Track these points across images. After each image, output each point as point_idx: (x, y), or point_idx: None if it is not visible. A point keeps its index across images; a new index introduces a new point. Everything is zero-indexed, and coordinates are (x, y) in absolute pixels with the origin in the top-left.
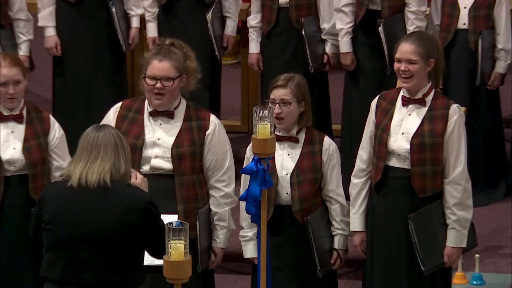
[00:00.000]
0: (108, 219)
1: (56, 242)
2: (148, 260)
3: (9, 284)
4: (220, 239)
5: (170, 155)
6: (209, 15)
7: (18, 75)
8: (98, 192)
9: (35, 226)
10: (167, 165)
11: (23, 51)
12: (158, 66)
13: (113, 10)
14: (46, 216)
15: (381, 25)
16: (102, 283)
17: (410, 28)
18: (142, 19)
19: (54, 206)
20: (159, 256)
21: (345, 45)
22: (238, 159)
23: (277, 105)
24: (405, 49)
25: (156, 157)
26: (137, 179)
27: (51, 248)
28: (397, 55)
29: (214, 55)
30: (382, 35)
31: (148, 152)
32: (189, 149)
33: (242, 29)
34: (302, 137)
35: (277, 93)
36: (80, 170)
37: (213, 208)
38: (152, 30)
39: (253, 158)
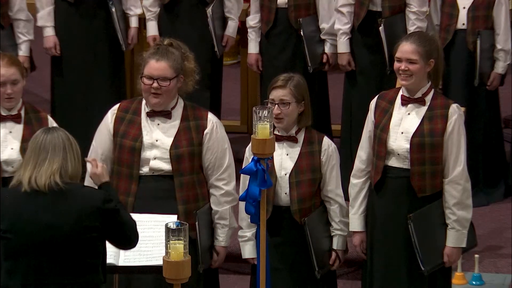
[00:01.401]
0: (66, 223)
1: (15, 250)
2: (152, 260)
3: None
4: (222, 238)
5: (168, 156)
6: (209, 10)
7: (16, 75)
8: (53, 196)
9: None
10: (166, 166)
11: (23, 51)
12: (155, 66)
13: (113, 9)
14: (3, 225)
15: (381, 24)
16: (65, 287)
17: (411, 29)
18: (141, 19)
19: (9, 214)
20: (126, 247)
21: (342, 46)
22: (238, 159)
23: (277, 105)
24: (406, 48)
25: (155, 158)
26: (97, 167)
27: (10, 256)
28: (398, 55)
29: (215, 55)
30: (382, 35)
31: (147, 153)
32: (187, 150)
33: (242, 29)
34: (301, 137)
35: (277, 94)
36: (29, 174)
37: (213, 207)
38: (152, 29)
39: (253, 159)
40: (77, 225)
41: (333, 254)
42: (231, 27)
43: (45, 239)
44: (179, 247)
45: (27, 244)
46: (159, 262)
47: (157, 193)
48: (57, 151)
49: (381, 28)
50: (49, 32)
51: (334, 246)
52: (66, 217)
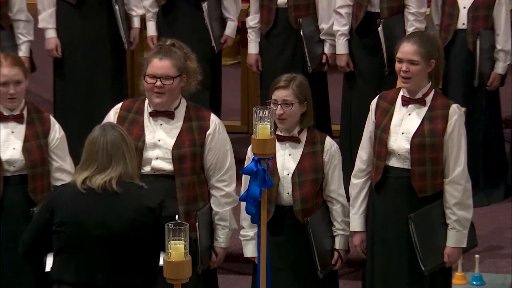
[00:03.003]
0: (120, 221)
1: (68, 244)
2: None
3: (9, 284)
4: (222, 239)
5: (171, 156)
6: (205, 5)
7: (19, 75)
8: (109, 195)
9: (38, 228)
10: (168, 166)
11: (23, 52)
12: (159, 65)
13: (116, 7)
14: (58, 218)
15: (380, 25)
16: (113, 284)
17: (410, 30)
18: (142, 20)
19: (66, 209)
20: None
21: (340, 47)
22: (238, 160)
23: (279, 106)
24: (407, 49)
25: (157, 158)
26: None
27: (63, 250)
28: (399, 55)
29: (214, 55)
30: (381, 35)
31: (149, 153)
32: (189, 150)
33: (242, 29)
34: (303, 137)
35: (279, 94)
36: (86, 175)
37: (214, 208)
38: (152, 29)
39: (253, 159)
40: (130, 226)
41: (335, 254)
42: (230, 27)
43: (99, 236)
44: (180, 247)
45: (80, 239)
46: (160, 262)
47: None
48: (119, 155)
49: (379, 29)
50: (51, 34)
51: (336, 246)
52: (121, 216)
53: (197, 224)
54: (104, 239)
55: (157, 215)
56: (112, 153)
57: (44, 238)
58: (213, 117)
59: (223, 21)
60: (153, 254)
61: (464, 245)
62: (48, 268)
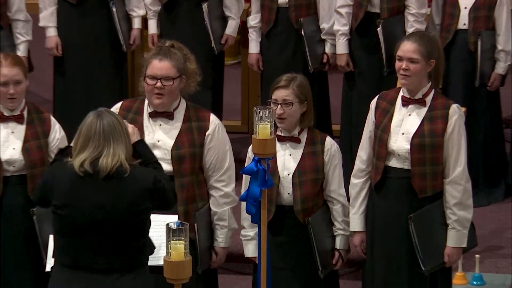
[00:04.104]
0: (118, 204)
1: (67, 227)
2: (152, 260)
3: (8, 284)
4: (221, 239)
5: (170, 157)
6: (205, 5)
7: (19, 75)
8: (107, 178)
9: (41, 196)
10: (167, 166)
11: (21, 51)
12: (159, 66)
13: (114, 9)
14: (56, 200)
15: (380, 25)
16: (112, 266)
17: (409, 30)
18: (144, 20)
19: (64, 191)
20: (164, 211)
21: (340, 47)
22: (239, 160)
23: (279, 105)
24: (407, 47)
25: None
26: (128, 128)
27: (63, 233)
28: (399, 53)
29: (217, 56)
30: (380, 36)
31: None
32: (189, 151)
33: (242, 29)
34: (304, 137)
35: (279, 94)
36: (85, 157)
37: (213, 208)
38: (152, 27)
39: (253, 159)
40: (129, 207)
41: (336, 254)
42: (231, 26)
43: (99, 220)
44: (180, 247)
45: (80, 223)
46: (160, 262)
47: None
48: (117, 137)
49: (379, 29)
50: (52, 32)
51: (337, 246)
52: (119, 199)
53: (195, 224)
54: (103, 223)
55: (154, 191)
56: (111, 135)
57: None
58: (212, 118)
59: (224, 21)
60: (147, 233)
61: (464, 245)
62: (48, 268)
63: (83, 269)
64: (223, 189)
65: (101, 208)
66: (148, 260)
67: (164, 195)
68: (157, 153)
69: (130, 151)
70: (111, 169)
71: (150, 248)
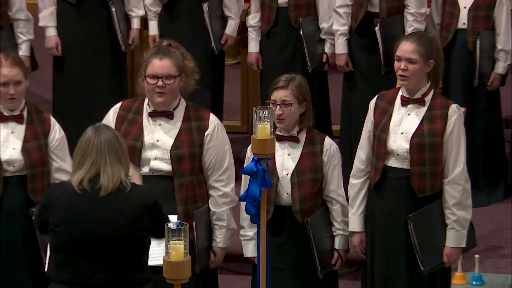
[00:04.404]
0: (117, 221)
1: (65, 243)
2: (152, 260)
3: (8, 284)
4: (220, 239)
5: (169, 157)
6: (205, 5)
7: (19, 76)
8: (107, 194)
9: (40, 222)
10: (166, 166)
11: (23, 51)
12: (159, 64)
13: (113, 9)
14: (54, 217)
15: (377, 24)
16: (111, 283)
17: (409, 30)
18: (143, 20)
19: (63, 208)
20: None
21: (340, 47)
22: (238, 160)
23: (278, 106)
24: (406, 48)
25: (155, 158)
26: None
27: (60, 249)
28: (397, 53)
29: (217, 56)
30: (378, 35)
31: (148, 153)
32: (188, 150)
33: (242, 29)
34: (302, 137)
35: (278, 94)
36: (82, 175)
37: (212, 208)
38: (153, 28)
39: (253, 159)
40: (128, 223)
41: (335, 254)
42: (231, 26)
43: (96, 235)
44: (180, 247)
45: (78, 238)
46: (159, 262)
47: (157, 194)
48: (114, 154)
49: (376, 28)
50: (51, 32)
51: (336, 246)
52: (118, 215)
53: (193, 223)
54: (100, 239)
55: (152, 212)
56: (107, 152)
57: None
58: (212, 118)
59: (224, 20)
60: (147, 251)
61: (463, 245)
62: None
63: (82, 286)
64: (222, 189)
65: (100, 223)
66: (148, 280)
67: (164, 219)
68: (156, 152)
69: (127, 167)
70: (114, 189)
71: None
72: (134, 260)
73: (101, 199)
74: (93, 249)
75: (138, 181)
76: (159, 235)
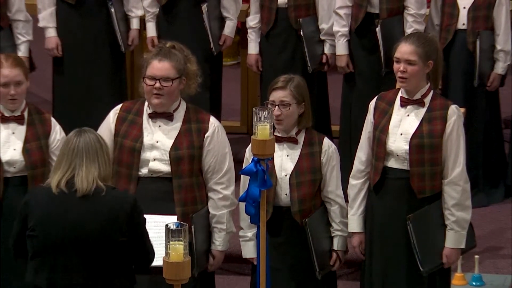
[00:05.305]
0: (94, 223)
1: (42, 247)
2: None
3: (9, 284)
4: (219, 242)
5: (168, 158)
6: (204, 6)
7: (19, 76)
8: (83, 197)
9: (19, 230)
10: (165, 167)
11: (22, 52)
12: (158, 66)
13: (112, 10)
14: (31, 223)
15: (378, 25)
16: (89, 287)
17: (408, 31)
18: (142, 21)
19: (39, 212)
20: (142, 263)
21: (340, 48)
22: (238, 160)
23: (277, 107)
24: (404, 49)
25: (154, 159)
26: None
27: (37, 254)
28: (396, 55)
29: (215, 56)
30: (379, 36)
31: (147, 154)
32: (187, 152)
33: (242, 30)
34: (301, 138)
35: (277, 95)
36: (60, 176)
37: (211, 211)
38: (151, 30)
39: (253, 159)
40: (105, 227)
41: (334, 255)
42: (229, 27)
43: (73, 239)
44: (179, 248)
45: (54, 242)
46: (159, 262)
47: (156, 195)
48: (92, 156)
49: (377, 29)
50: (51, 33)
51: (335, 247)
52: (94, 218)
53: (192, 226)
54: (77, 242)
55: (130, 215)
56: (85, 153)
57: (24, 241)
58: (212, 120)
59: (222, 21)
60: (129, 254)
61: (463, 246)
62: None
63: None
64: (222, 192)
65: (76, 225)
66: None
67: (140, 229)
68: (155, 153)
69: (106, 171)
70: (88, 190)
71: (132, 276)
72: (113, 266)
73: (77, 201)
74: (70, 253)
75: None
76: (135, 250)
